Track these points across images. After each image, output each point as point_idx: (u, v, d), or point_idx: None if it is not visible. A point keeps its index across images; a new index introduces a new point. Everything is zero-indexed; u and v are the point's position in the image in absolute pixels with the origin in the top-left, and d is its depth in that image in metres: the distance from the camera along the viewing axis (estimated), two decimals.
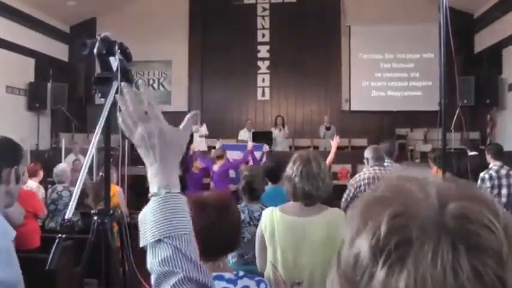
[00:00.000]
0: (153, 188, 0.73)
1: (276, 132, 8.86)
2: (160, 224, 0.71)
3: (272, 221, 1.86)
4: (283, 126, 9.01)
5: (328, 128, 9.18)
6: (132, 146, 9.32)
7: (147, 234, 0.71)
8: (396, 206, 0.42)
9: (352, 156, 8.00)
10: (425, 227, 0.41)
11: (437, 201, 0.42)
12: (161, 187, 0.72)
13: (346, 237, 0.45)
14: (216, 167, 5.66)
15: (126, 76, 1.73)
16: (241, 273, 1.29)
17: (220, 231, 1.27)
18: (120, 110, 0.73)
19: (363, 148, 4.48)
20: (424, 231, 0.40)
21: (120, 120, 0.73)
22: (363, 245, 0.42)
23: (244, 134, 8.88)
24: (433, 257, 0.39)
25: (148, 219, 0.72)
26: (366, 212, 0.44)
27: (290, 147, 9.30)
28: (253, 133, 8.62)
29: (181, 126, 0.76)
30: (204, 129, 9.03)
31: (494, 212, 0.42)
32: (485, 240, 0.40)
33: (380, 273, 0.40)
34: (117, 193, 3.92)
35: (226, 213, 1.30)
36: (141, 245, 0.72)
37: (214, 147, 6.61)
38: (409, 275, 0.39)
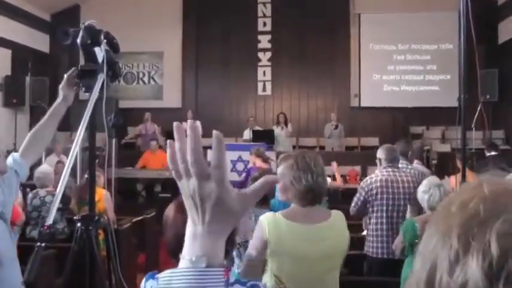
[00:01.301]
0: (189, 253, 0.62)
1: (278, 131, 8.86)
2: None
3: (277, 229, 1.83)
4: (286, 124, 9.02)
5: (335, 126, 9.17)
6: (120, 146, 9.29)
7: None
8: (504, 223, 0.41)
9: (362, 157, 8.00)
10: None
11: None
12: (201, 257, 0.61)
13: (440, 263, 0.43)
14: None
15: (113, 68, 1.72)
16: (232, 279, 1.29)
17: None
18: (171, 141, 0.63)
19: (374, 148, 4.49)
20: None
21: (168, 156, 0.63)
22: (473, 272, 0.40)
23: (247, 135, 8.89)
24: None
25: None
26: (464, 232, 0.43)
27: (294, 147, 9.30)
28: (254, 132, 8.62)
29: (249, 190, 0.64)
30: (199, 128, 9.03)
31: None
32: None
33: None
34: (104, 197, 3.92)
35: None
36: None
37: (209, 148, 6.59)
38: None
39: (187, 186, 0.63)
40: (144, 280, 0.87)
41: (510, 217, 0.42)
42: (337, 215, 1.92)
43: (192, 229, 0.64)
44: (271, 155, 5.84)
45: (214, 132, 0.64)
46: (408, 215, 3.41)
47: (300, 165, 1.83)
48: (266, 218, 1.87)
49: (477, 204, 0.44)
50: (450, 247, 0.43)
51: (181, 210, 1.28)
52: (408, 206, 3.42)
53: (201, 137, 0.62)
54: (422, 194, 2.83)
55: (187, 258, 0.62)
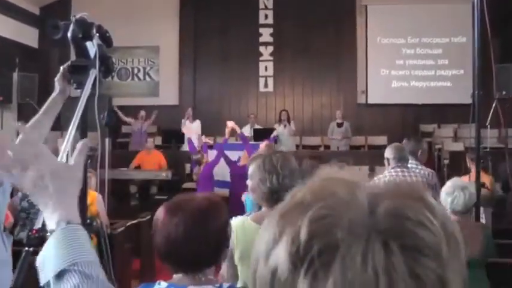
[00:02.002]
0: (51, 225, 0.78)
1: (280, 129, 8.86)
2: (63, 254, 0.74)
3: (245, 235, 1.84)
4: (289, 122, 9.01)
5: (339, 125, 9.17)
6: (114, 146, 9.31)
7: (48, 270, 0.74)
8: (318, 209, 0.43)
9: (369, 157, 8.00)
10: (353, 228, 0.41)
11: (366, 201, 0.43)
12: (61, 220, 0.77)
13: (260, 251, 0.45)
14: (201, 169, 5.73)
15: (106, 64, 1.73)
16: (225, 285, 1.30)
17: (195, 241, 1.26)
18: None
19: (382, 147, 4.48)
20: (352, 233, 0.41)
21: (3, 169, 0.81)
22: (281, 256, 0.42)
23: (247, 132, 8.90)
24: (363, 260, 0.40)
25: (48, 256, 0.75)
26: (282, 219, 0.44)
27: (297, 146, 9.30)
28: (254, 130, 8.63)
29: (73, 157, 0.83)
30: (196, 126, 9.03)
31: (431, 209, 0.43)
32: (421, 238, 0.41)
33: (303, 285, 0.40)
34: (96, 200, 3.94)
35: (204, 221, 1.28)
36: (42, 283, 0.75)
37: (210, 147, 6.62)
38: (335, 283, 0.39)
39: (30, 183, 0.79)
40: None
41: (327, 204, 0.43)
42: None
43: (47, 210, 0.80)
44: None
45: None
46: None
47: (266, 166, 1.85)
48: (234, 222, 1.88)
49: (304, 193, 0.45)
50: (269, 234, 0.44)
51: (171, 213, 1.29)
52: None
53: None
54: (446, 196, 2.81)
55: (51, 229, 0.78)
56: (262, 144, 5.33)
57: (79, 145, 0.85)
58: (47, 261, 0.74)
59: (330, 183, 0.46)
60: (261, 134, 7.69)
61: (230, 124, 5.82)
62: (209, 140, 6.66)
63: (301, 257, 0.41)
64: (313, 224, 0.42)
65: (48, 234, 0.78)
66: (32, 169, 0.78)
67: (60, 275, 0.73)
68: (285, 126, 8.91)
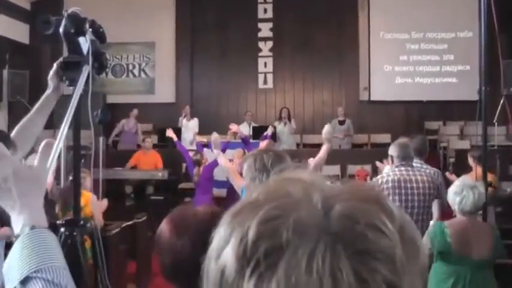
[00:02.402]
0: (17, 229, 0.77)
1: (280, 127, 8.87)
2: (27, 260, 0.73)
3: None
4: (289, 120, 9.02)
5: (341, 122, 9.17)
6: (107, 144, 9.25)
7: (12, 278, 0.73)
8: (269, 209, 0.43)
9: (372, 155, 7.98)
10: (303, 230, 0.41)
11: (321, 203, 0.44)
12: (25, 225, 0.77)
13: (212, 250, 0.45)
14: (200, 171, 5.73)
15: (99, 60, 1.73)
16: None
17: (201, 261, 1.24)
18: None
19: (385, 145, 4.49)
20: (301, 234, 0.41)
21: None
22: (229, 256, 0.43)
23: (243, 129, 8.90)
24: (308, 262, 0.40)
25: (12, 263, 0.74)
26: (234, 218, 0.45)
27: (298, 145, 9.31)
28: (253, 128, 8.62)
29: (36, 160, 0.84)
30: (194, 125, 9.03)
31: (387, 213, 0.43)
32: (373, 242, 0.41)
33: (248, 287, 0.40)
34: (91, 201, 3.93)
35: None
36: None
37: (208, 146, 6.63)
38: (278, 285, 0.39)
39: None
40: None
41: (279, 204, 0.43)
42: None
43: (12, 214, 0.80)
44: None
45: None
46: (435, 213, 3.39)
47: (257, 165, 1.86)
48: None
49: (259, 194, 0.46)
50: (220, 234, 0.45)
51: (178, 234, 1.28)
52: (435, 202, 3.40)
53: None
54: (454, 195, 2.79)
55: (16, 233, 0.78)
56: (263, 144, 5.35)
57: (42, 145, 0.85)
58: (12, 268, 0.74)
59: (286, 183, 0.46)
60: (261, 131, 7.67)
61: (234, 128, 5.83)
62: (203, 139, 6.66)
63: (247, 258, 0.41)
64: (261, 225, 0.42)
65: (14, 239, 0.77)
66: None
67: (24, 283, 0.72)
68: (285, 124, 8.92)
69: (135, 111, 9.29)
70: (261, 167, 1.86)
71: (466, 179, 2.99)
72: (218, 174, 6.38)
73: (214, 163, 5.76)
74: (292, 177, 0.48)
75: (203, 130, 8.94)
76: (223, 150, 5.71)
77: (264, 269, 0.41)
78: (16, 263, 0.74)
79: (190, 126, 8.92)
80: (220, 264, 0.43)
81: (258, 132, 8.05)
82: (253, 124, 8.94)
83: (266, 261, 0.41)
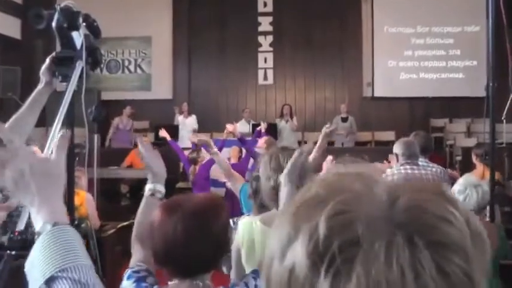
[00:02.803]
0: (38, 227, 0.77)
1: (282, 124, 8.88)
2: (51, 259, 0.72)
3: (250, 236, 1.87)
4: (291, 117, 9.02)
5: (344, 119, 9.17)
6: (103, 143, 9.23)
7: (36, 277, 0.72)
8: (335, 204, 0.44)
9: (376, 153, 7.98)
10: (374, 223, 0.42)
11: (385, 195, 0.44)
12: (46, 222, 0.75)
13: (275, 251, 0.45)
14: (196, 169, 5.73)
15: (93, 55, 1.73)
16: None
17: (195, 242, 1.25)
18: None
19: (389, 143, 4.49)
20: (373, 228, 0.42)
21: None
22: (298, 254, 0.43)
23: (243, 127, 8.90)
24: (387, 256, 0.40)
25: (35, 261, 0.74)
26: (296, 216, 0.45)
27: (299, 143, 9.30)
28: (254, 125, 8.61)
29: (53, 152, 0.82)
30: (192, 122, 9.03)
31: (453, 203, 0.44)
32: (446, 233, 0.42)
33: (324, 284, 0.41)
34: (87, 201, 3.94)
35: (205, 221, 1.27)
36: None
37: (204, 145, 6.63)
38: (359, 280, 0.40)
39: (10, 182, 0.79)
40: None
41: (343, 198, 0.44)
42: None
43: (32, 210, 0.79)
44: None
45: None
46: None
47: (272, 164, 1.86)
48: (242, 223, 1.94)
49: (317, 189, 0.46)
50: (283, 232, 0.45)
51: (169, 212, 1.28)
52: None
53: None
54: (457, 194, 2.80)
55: (38, 231, 0.77)
56: (261, 141, 5.36)
57: (58, 137, 0.85)
58: (35, 267, 0.73)
59: (345, 178, 0.47)
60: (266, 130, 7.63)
61: (230, 128, 5.83)
62: (195, 139, 6.67)
63: (320, 255, 0.41)
64: (331, 220, 0.42)
65: (36, 236, 0.77)
66: (10, 167, 0.77)
67: (49, 283, 0.71)
68: (287, 121, 8.93)
69: (127, 109, 9.28)
70: (276, 166, 1.85)
71: (469, 177, 2.99)
72: (216, 173, 6.39)
73: (211, 161, 5.76)
74: (349, 171, 0.49)
75: (202, 128, 8.95)
76: (220, 149, 5.72)
77: (340, 264, 0.41)
78: (39, 262, 0.72)
79: (188, 124, 8.92)
80: (287, 263, 0.43)
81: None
82: (252, 122, 8.93)
83: (341, 256, 0.41)
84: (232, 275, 1.96)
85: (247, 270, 1.88)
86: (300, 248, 0.43)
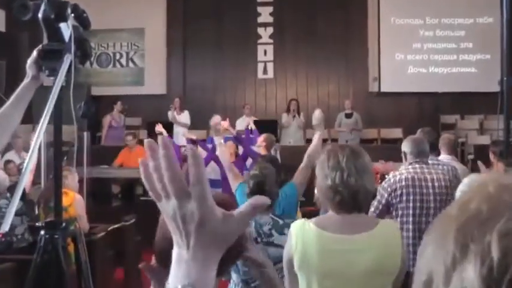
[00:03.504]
0: (174, 282, 0.65)
1: (288, 120, 8.86)
2: None
3: (304, 239, 1.83)
4: (298, 114, 9.03)
5: (348, 115, 9.18)
6: (92, 141, 9.22)
7: None
8: (505, 222, 0.42)
9: (382, 152, 7.99)
10: None
11: None
12: (187, 285, 0.63)
13: (436, 272, 0.44)
14: None
15: (82, 48, 1.73)
16: None
17: None
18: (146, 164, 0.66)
19: (397, 141, 4.50)
20: None
21: (142, 175, 0.66)
22: (471, 280, 0.41)
23: (243, 124, 8.90)
24: None
25: None
26: (460, 234, 0.44)
27: (307, 140, 9.30)
28: (255, 122, 8.58)
29: (236, 212, 0.66)
30: (184, 118, 9.01)
31: None
32: None
33: None
34: (76, 202, 3.94)
35: None
36: None
37: (200, 142, 6.64)
38: None
39: (167, 208, 0.65)
40: None
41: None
42: (386, 225, 1.93)
43: (177, 253, 0.66)
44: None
45: (189, 147, 0.71)
46: None
47: (330, 162, 1.84)
48: (294, 226, 1.89)
49: (479, 203, 0.45)
50: (447, 253, 0.44)
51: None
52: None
53: (174, 153, 0.65)
54: (462, 194, 2.80)
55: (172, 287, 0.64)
56: (260, 139, 5.37)
57: (254, 201, 0.66)
58: None
59: (507, 190, 0.45)
60: (262, 126, 7.61)
61: (225, 125, 5.83)
62: (193, 136, 6.67)
63: (495, 278, 0.40)
64: (504, 239, 0.41)
65: (167, 286, 0.65)
66: (176, 201, 0.63)
67: None
68: (294, 117, 8.94)
69: (118, 104, 9.26)
70: (335, 164, 1.84)
71: (474, 176, 3.00)
72: (212, 172, 6.39)
73: (205, 160, 5.77)
74: (508, 183, 0.47)
75: (198, 125, 8.95)
76: (214, 148, 5.73)
77: None
78: None
79: (180, 120, 8.88)
80: None
81: (258, 127, 7.92)
82: (254, 118, 8.88)
83: None
84: (286, 284, 1.91)
85: (300, 279, 1.84)
86: (472, 273, 0.41)
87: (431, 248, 0.46)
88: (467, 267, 0.42)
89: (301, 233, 1.84)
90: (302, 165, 3.49)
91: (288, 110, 9.09)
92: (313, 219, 1.89)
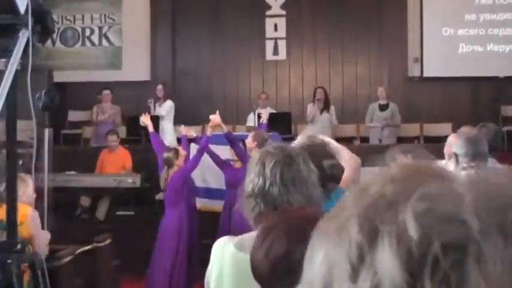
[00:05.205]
0: None
1: (314, 113, 8.79)
2: None
3: (221, 263, 1.94)
4: (328, 107, 8.93)
5: (383, 107, 9.16)
6: (57, 140, 9.24)
7: None
8: (418, 199, 0.45)
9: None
10: (484, 215, 0.44)
11: (470, 193, 0.46)
12: None
13: (336, 274, 0.46)
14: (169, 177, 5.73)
15: (43, 22, 1.74)
16: None
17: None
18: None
19: (444, 139, 4.48)
20: (485, 221, 0.43)
21: None
22: (384, 264, 0.43)
23: (253, 119, 8.89)
24: (503, 255, 0.42)
25: None
26: (366, 219, 0.46)
27: (337, 140, 9.27)
28: (260, 116, 8.57)
29: None
30: (167, 110, 8.98)
31: None
32: None
33: None
34: (30, 219, 3.95)
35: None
36: None
37: (194, 140, 6.64)
38: (478, 284, 0.42)
39: None
40: None
41: (427, 191, 0.46)
42: None
43: None
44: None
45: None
46: None
47: (257, 166, 1.95)
48: (214, 248, 2.01)
49: (381, 186, 0.48)
50: (349, 245, 0.46)
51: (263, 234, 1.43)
52: None
53: None
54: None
55: None
56: (249, 138, 5.32)
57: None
58: None
59: (412, 174, 0.50)
60: (273, 120, 7.53)
61: (216, 120, 5.82)
62: (193, 133, 6.64)
63: (417, 261, 0.43)
64: (422, 217, 0.44)
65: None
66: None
67: None
68: (322, 111, 8.86)
69: (105, 93, 9.24)
70: (260, 169, 1.96)
71: None
72: (211, 180, 6.39)
73: (192, 164, 5.75)
74: (415, 168, 0.51)
75: (192, 120, 8.94)
76: (203, 149, 5.71)
77: (447, 270, 0.42)
78: None
79: (158, 113, 8.85)
80: (366, 284, 0.44)
81: (271, 120, 7.78)
82: (271, 110, 8.79)
83: (446, 260, 0.42)
84: None
85: None
86: (387, 256, 0.43)
87: (322, 252, 0.48)
88: (379, 253, 0.44)
89: (220, 254, 1.95)
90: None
91: (313, 100, 9.01)
92: (237, 237, 1.98)
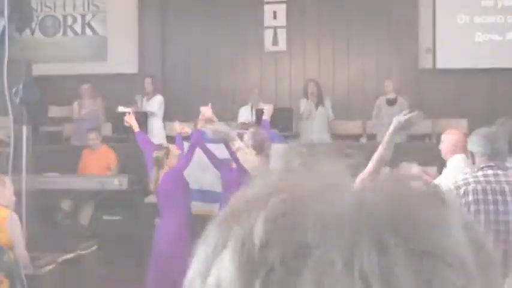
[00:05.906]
0: None
1: (309, 108, 8.81)
2: None
3: None
4: (321, 99, 8.96)
5: (391, 102, 9.16)
6: (36, 138, 9.35)
7: None
8: (279, 202, 0.47)
9: (438, 152, 7.98)
10: (331, 225, 0.45)
11: (353, 195, 0.48)
12: None
13: (197, 268, 0.49)
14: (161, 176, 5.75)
15: (21, 10, 1.75)
16: None
17: None
18: None
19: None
20: (330, 232, 0.45)
21: None
22: (226, 268, 0.45)
23: (247, 112, 8.89)
24: (347, 264, 0.43)
25: None
26: (227, 220, 0.49)
27: (336, 137, 9.28)
28: (258, 111, 8.59)
29: None
30: (152, 105, 9.00)
31: (446, 205, 0.49)
32: (436, 242, 0.45)
33: None
34: (10, 224, 3.96)
35: None
36: None
37: (188, 138, 6.63)
38: None
39: None
40: None
41: (288, 197, 0.48)
42: None
43: None
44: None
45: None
46: None
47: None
48: None
49: (260, 187, 0.50)
50: (208, 242, 0.49)
51: None
52: None
53: None
54: None
55: None
56: (245, 137, 5.32)
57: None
58: None
59: (296, 176, 0.52)
60: (274, 117, 7.55)
61: (206, 113, 5.81)
62: (188, 130, 6.63)
63: (255, 266, 0.44)
64: (270, 222, 0.46)
65: None
66: None
67: None
68: (316, 105, 8.88)
69: (85, 87, 9.27)
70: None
71: None
72: (205, 181, 6.38)
73: (183, 164, 5.76)
74: (301, 168, 0.54)
75: (183, 116, 8.94)
76: (193, 147, 5.72)
77: (281, 277, 0.44)
78: None
79: (146, 109, 8.86)
80: (211, 280, 0.46)
81: (275, 117, 7.85)
82: (258, 106, 8.86)
83: (283, 267, 0.44)
84: None
85: None
86: (228, 258, 0.46)
87: (199, 245, 0.50)
88: (224, 256, 0.46)
89: None
90: (369, 169, 3.46)
91: (306, 95, 9.05)
92: None
